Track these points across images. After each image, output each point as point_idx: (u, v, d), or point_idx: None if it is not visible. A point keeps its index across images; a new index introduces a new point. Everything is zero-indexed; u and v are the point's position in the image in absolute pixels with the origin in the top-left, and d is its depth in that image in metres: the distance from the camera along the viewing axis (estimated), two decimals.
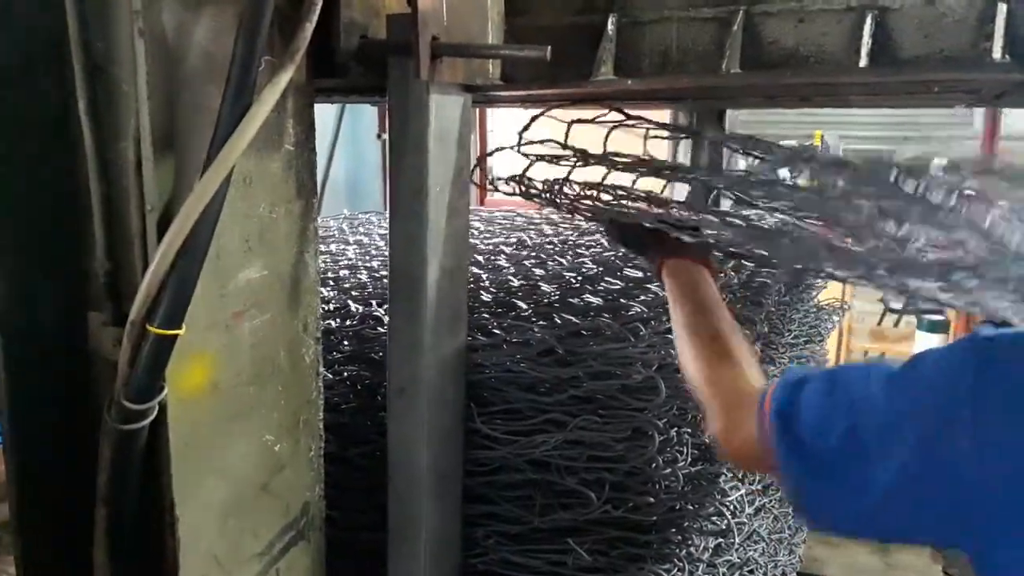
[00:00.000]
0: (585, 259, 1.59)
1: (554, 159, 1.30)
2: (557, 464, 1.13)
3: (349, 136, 5.03)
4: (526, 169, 1.30)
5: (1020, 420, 0.56)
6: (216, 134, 0.77)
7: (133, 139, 0.79)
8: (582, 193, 1.18)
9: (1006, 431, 0.57)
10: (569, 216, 1.36)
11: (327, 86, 1.00)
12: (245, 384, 0.91)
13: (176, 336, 0.77)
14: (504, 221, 2.39)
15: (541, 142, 1.29)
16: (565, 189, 1.20)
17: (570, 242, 1.81)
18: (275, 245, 0.93)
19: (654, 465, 1.10)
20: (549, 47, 0.87)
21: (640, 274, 1.43)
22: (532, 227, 2.26)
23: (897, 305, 5.88)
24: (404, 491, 1.08)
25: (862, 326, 5.10)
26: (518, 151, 1.32)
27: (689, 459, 1.15)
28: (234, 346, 0.88)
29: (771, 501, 1.75)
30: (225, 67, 0.77)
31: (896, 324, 5.81)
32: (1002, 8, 0.83)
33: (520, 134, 1.32)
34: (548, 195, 1.24)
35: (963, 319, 4.23)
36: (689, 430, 1.17)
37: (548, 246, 1.83)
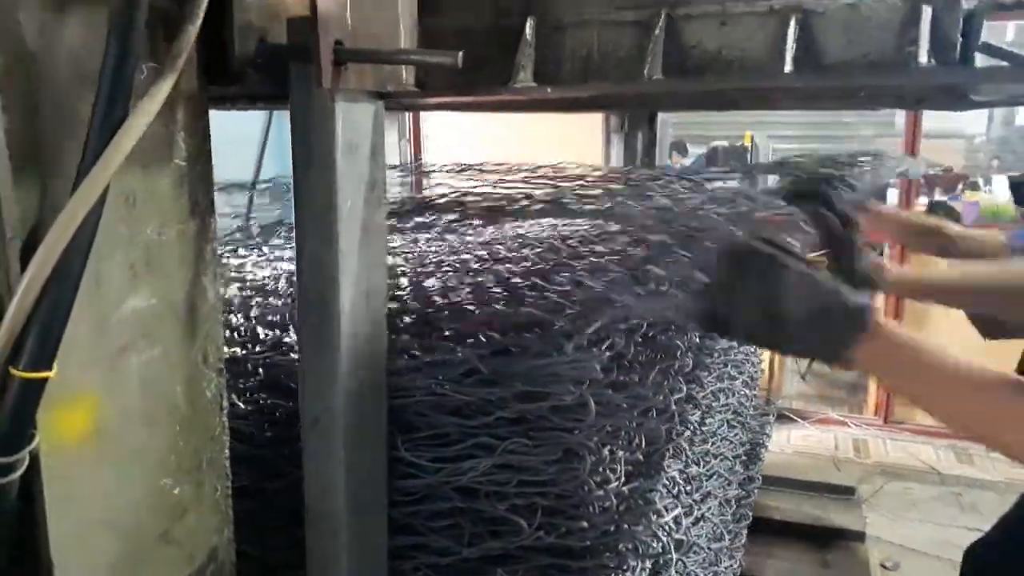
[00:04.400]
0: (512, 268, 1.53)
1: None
2: (486, 490, 1.07)
3: (277, 142, 4.89)
4: None
5: None
6: (87, 150, 0.69)
7: None
8: None
9: None
10: None
11: (224, 94, 0.92)
12: (135, 425, 0.82)
13: (45, 379, 0.68)
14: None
15: None
16: None
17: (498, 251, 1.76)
18: (166, 270, 0.84)
19: (586, 488, 1.05)
20: (461, 53, 0.81)
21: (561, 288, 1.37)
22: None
23: None
24: (322, 530, 1.01)
25: None
26: None
27: (622, 478, 1.11)
28: (120, 384, 0.80)
29: (710, 509, 1.72)
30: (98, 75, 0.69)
31: None
32: (926, 11, 0.81)
33: None
34: None
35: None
36: (622, 449, 1.13)
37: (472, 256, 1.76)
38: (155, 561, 0.87)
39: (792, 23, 0.85)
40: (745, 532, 2.32)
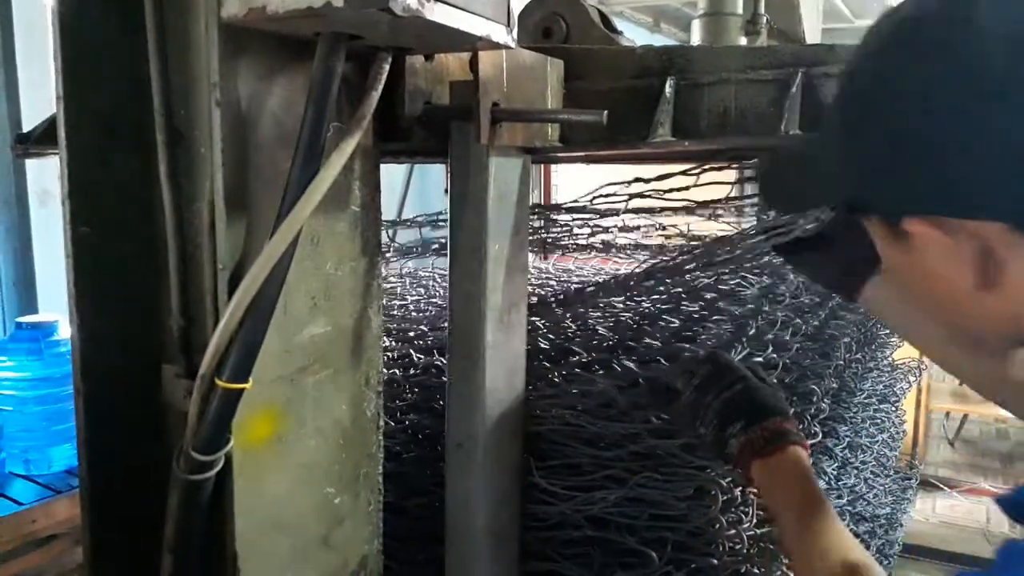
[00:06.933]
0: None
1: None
2: (617, 522, 1.11)
3: (418, 190, 5.19)
4: None
5: None
6: (285, 197, 0.80)
7: (208, 201, 0.84)
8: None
9: None
10: None
11: (392, 149, 1.04)
12: (308, 437, 0.93)
13: (243, 390, 0.80)
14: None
15: None
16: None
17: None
18: (340, 301, 0.96)
19: (717, 526, 1.07)
20: (606, 111, 0.89)
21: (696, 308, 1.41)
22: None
23: None
24: (461, 548, 1.08)
25: (942, 385, 4.89)
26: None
27: (755, 520, 1.12)
28: (298, 400, 0.91)
29: None
30: (295, 133, 0.81)
31: None
32: None
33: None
34: None
35: None
36: (754, 490, 1.14)
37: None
38: (316, 562, 0.97)
39: None
40: None
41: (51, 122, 1.47)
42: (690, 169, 1.23)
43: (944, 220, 0.63)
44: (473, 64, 0.96)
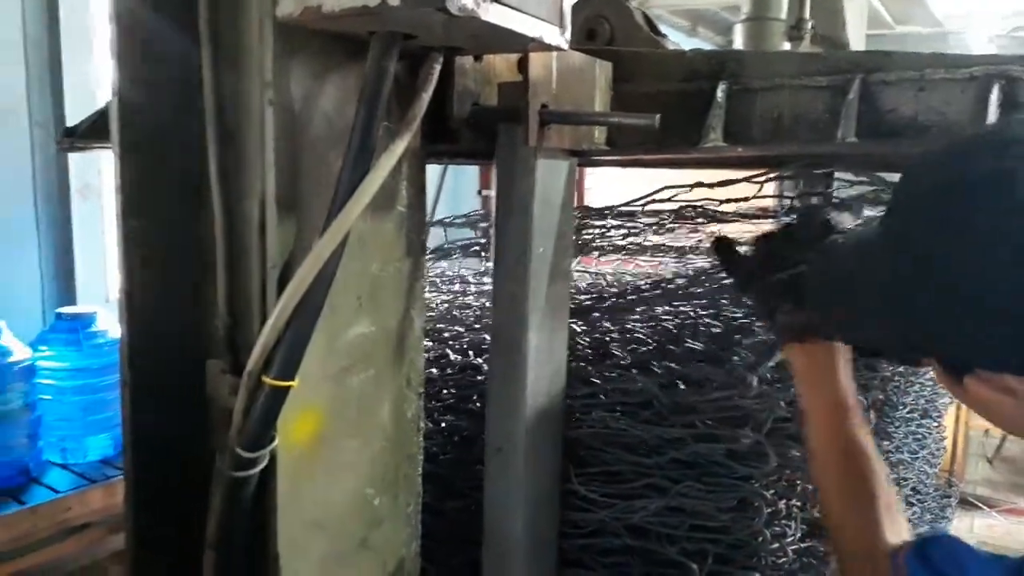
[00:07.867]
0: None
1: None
2: (657, 532, 1.10)
3: (451, 191, 5.19)
4: None
5: None
6: (335, 197, 0.80)
7: (258, 201, 0.84)
8: None
9: None
10: None
11: (439, 150, 1.03)
12: (350, 437, 0.93)
13: (289, 388, 0.80)
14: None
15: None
16: None
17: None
18: (384, 302, 0.95)
19: (761, 539, 1.05)
20: (658, 115, 0.88)
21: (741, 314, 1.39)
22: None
23: None
24: (498, 552, 1.07)
25: None
26: None
27: (799, 534, 1.10)
28: (341, 399, 0.91)
29: None
30: (346, 133, 0.81)
31: None
32: None
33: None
34: None
35: None
36: (799, 503, 1.12)
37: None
38: (354, 564, 0.96)
39: (995, 89, 0.85)
40: None
41: (98, 117, 1.49)
42: (753, 176, 1.20)
43: (1003, 379, 0.63)
44: (523, 65, 0.95)
